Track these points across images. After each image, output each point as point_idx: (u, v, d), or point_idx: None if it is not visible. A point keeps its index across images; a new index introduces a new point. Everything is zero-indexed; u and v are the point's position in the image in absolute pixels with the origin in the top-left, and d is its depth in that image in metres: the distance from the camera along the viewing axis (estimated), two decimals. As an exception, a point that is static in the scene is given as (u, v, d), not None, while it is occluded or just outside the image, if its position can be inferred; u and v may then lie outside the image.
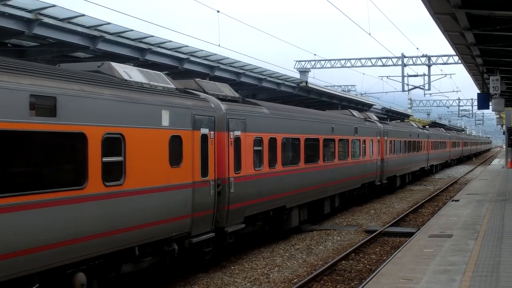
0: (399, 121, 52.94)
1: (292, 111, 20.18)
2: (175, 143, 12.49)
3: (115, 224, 10.62)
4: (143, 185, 11.40)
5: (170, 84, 13.40)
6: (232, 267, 15.16)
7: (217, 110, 14.49)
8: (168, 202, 12.20)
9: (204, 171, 13.59)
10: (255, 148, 16.33)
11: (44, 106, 9.12)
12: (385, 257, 16.07)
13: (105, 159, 10.37)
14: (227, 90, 16.63)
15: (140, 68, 13.23)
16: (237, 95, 17.10)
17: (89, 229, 9.99)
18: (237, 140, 15.30)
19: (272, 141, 17.48)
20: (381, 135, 31.14)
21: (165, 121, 12.18)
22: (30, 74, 9.13)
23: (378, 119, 34.60)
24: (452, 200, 25.61)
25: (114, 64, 12.27)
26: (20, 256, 8.67)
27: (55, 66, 12.10)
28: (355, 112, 29.65)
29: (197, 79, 16.46)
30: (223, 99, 15.56)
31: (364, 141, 27.76)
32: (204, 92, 15.08)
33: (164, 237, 12.17)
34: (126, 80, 11.82)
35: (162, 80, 13.20)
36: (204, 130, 13.65)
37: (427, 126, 62.65)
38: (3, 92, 8.44)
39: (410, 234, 18.29)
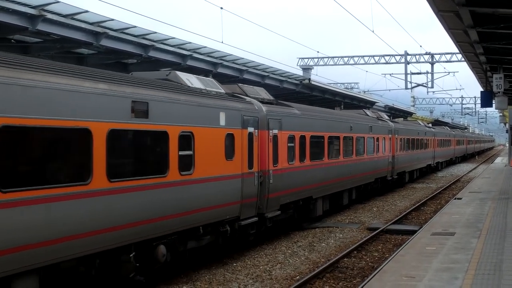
0: (402, 119, 52.94)
1: (317, 112, 22.37)
2: (229, 140, 14.66)
3: (187, 206, 12.74)
4: (206, 174, 13.55)
5: (220, 89, 15.54)
6: (234, 264, 15.17)
7: (260, 112, 16.58)
8: (224, 189, 14.36)
9: (250, 164, 15.70)
10: (288, 144, 18.32)
11: (140, 109, 11.27)
12: (387, 255, 16.07)
13: (181, 152, 12.54)
14: (263, 93, 18.71)
15: (197, 76, 15.40)
16: (271, 97, 19.01)
17: (169, 210, 12.09)
18: (275, 137, 17.33)
19: (302, 138, 19.50)
20: (392, 133, 32.93)
21: (222, 121, 14.34)
22: (130, 84, 11.33)
23: (388, 118, 36.36)
24: (455, 198, 25.60)
25: (178, 72, 14.48)
26: (127, 228, 10.83)
27: (129, 74, 14.17)
28: (368, 112, 31.73)
29: (240, 84, 18.50)
30: (262, 101, 17.48)
31: (378, 138, 29.58)
32: (246, 95, 17.11)
33: (220, 219, 14.32)
34: (189, 87, 13.95)
35: (214, 86, 15.36)
36: (250, 129, 15.80)
37: (430, 124, 62.69)
38: (115, 99, 10.59)
39: (412, 232, 18.28)
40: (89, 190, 9.90)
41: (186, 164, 12.70)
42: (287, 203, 18.14)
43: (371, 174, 28.44)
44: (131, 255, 11.19)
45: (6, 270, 8.45)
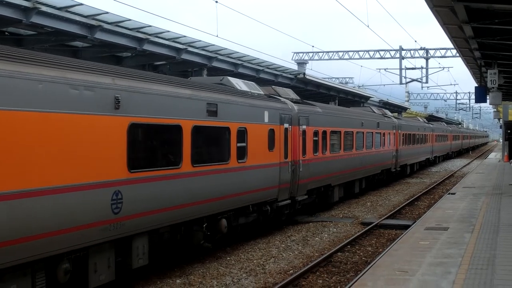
0: (396, 114, 53.06)
1: (335, 110, 25.73)
2: (271, 134, 17.23)
3: (242, 188, 15.38)
4: (255, 163, 16.14)
5: (260, 91, 18.16)
6: (228, 258, 15.19)
7: (292, 110, 19.22)
8: (267, 175, 16.94)
9: (286, 155, 18.23)
10: (313, 138, 20.94)
11: (212, 110, 13.90)
12: (381, 249, 16.10)
13: (238, 144, 15.18)
14: (291, 93, 21.38)
15: (242, 80, 17.85)
16: (298, 97, 21.63)
17: (230, 191, 14.70)
18: (304, 132, 19.94)
19: (324, 133, 22.18)
20: (396, 128, 35.43)
21: (266, 119, 16.97)
22: (204, 89, 13.99)
23: (392, 115, 38.72)
24: (449, 193, 25.65)
25: (230, 78, 17.07)
26: (203, 204, 13.42)
27: (187, 79, 16.82)
28: (375, 109, 34.53)
29: (273, 86, 21.52)
30: (292, 101, 20.07)
31: (384, 134, 32.24)
32: (279, 96, 19.77)
33: (263, 200, 16.97)
34: (240, 90, 16.52)
35: (256, 88, 17.95)
36: (286, 125, 18.39)
37: (424, 119, 63.01)
38: (196, 102, 13.25)
39: (406, 227, 18.32)
40: (180, 173, 12.57)
41: (241, 153, 15.38)
42: (312, 189, 20.79)
43: (378, 166, 31.12)
44: (204, 226, 13.97)
45: (132, 230, 11.10)
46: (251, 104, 16.17)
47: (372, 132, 29.67)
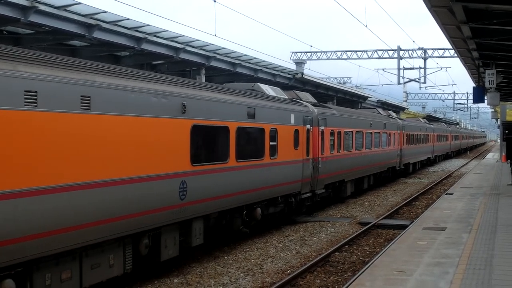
0: (395, 114, 53.15)
1: (348, 112, 27.58)
2: (296, 134, 19.28)
3: (273, 181, 17.39)
4: (284, 159, 18.13)
5: (285, 95, 20.36)
6: (226, 257, 15.18)
7: (313, 113, 21.31)
8: (292, 170, 18.94)
9: (307, 153, 20.32)
10: (330, 138, 23.03)
11: (251, 113, 15.99)
12: (378, 249, 16.11)
13: (271, 143, 17.22)
14: (310, 97, 23.62)
15: (269, 86, 19.92)
16: (315, 100, 23.94)
17: (263, 183, 16.72)
18: (322, 132, 22.06)
19: (339, 133, 24.35)
20: (400, 129, 37.27)
21: (292, 120, 19.00)
22: (245, 95, 16.11)
23: (397, 116, 40.86)
24: (446, 193, 25.66)
25: (260, 84, 19.15)
26: (244, 194, 15.54)
27: (222, 85, 18.36)
28: (380, 110, 36.80)
29: (295, 90, 23.60)
30: (311, 103, 22.10)
31: (389, 134, 34.25)
32: (300, 99, 21.80)
33: (289, 193, 18.99)
34: (269, 95, 18.49)
35: (281, 93, 20.08)
36: (308, 126, 20.45)
37: (425, 120, 63.23)
38: (239, 106, 15.37)
39: (404, 227, 18.32)
40: (227, 167, 14.64)
41: (273, 151, 17.37)
42: (328, 183, 22.81)
43: (384, 164, 33.21)
44: (243, 213, 16.13)
45: (192, 214, 13.16)
46: (280, 108, 18.24)
47: (380, 133, 31.62)
